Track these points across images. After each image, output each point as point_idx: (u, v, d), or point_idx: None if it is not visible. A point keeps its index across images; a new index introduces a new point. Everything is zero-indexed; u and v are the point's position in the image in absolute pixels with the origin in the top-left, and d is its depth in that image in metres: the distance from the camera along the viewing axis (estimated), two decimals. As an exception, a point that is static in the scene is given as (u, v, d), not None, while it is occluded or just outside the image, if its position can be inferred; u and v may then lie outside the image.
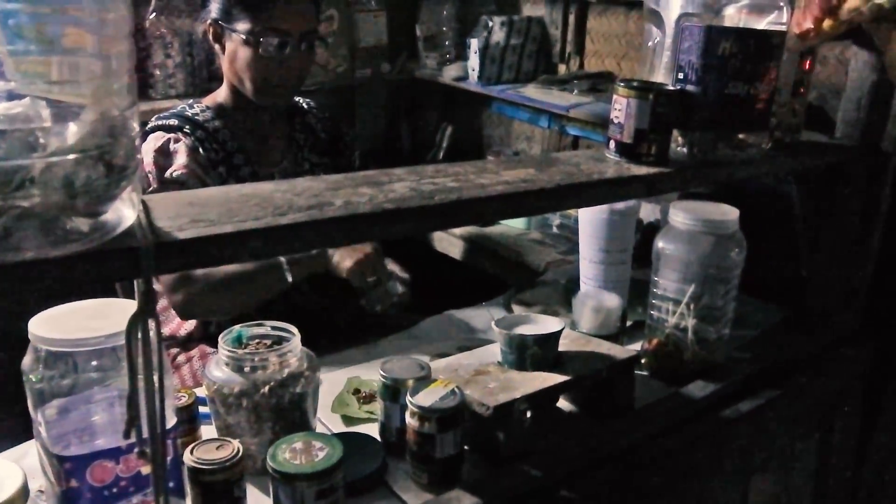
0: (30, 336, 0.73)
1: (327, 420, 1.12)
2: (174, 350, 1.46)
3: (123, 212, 0.68)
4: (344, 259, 1.43)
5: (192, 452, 0.86)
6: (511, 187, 0.88)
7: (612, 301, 1.25)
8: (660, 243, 1.27)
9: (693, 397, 1.19)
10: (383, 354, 1.35)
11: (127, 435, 0.67)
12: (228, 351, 0.98)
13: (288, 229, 0.70)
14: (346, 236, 0.75)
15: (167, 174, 1.39)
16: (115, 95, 0.66)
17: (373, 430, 1.07)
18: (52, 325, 0.73)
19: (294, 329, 1.03)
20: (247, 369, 0.98)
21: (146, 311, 0.64)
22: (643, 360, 1.29)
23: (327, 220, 0.73)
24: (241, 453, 0.88)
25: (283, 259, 1.38)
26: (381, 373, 1.02)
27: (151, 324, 0.67)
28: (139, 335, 0.65)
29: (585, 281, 1.35)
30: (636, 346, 1.33)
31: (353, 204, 0.77)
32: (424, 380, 1.01)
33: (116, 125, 0.66)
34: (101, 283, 0.66)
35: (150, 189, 1.39)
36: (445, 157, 2.71)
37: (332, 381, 1.23)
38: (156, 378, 0.67)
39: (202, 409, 1.05)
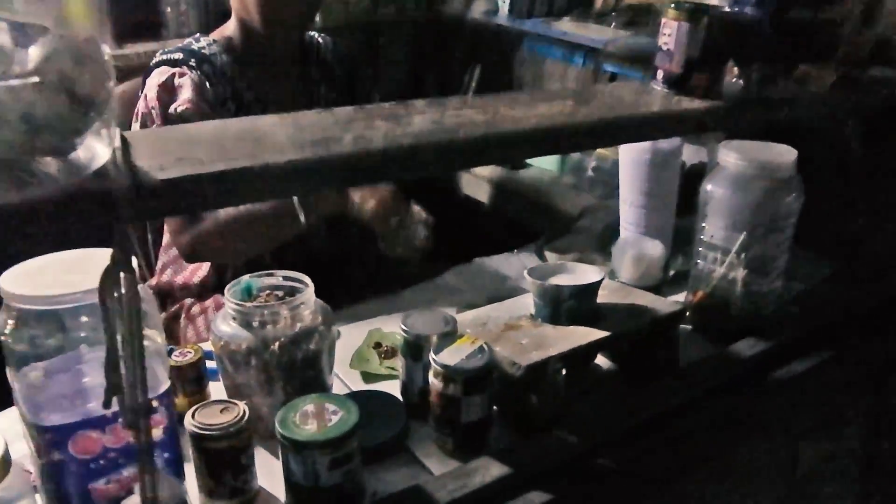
0: (1, 293, 0.65)
1: (346, 377, 1.04)
2: (188, 301, 1.38)
3: (97, 149, 0.58)
4: (366, 200, 1.32)
5: (193, 416, 0.78)
6: (547, 121, 0.76)
7: (655, 249, 1.13)
8: (708, 186, 1.14)
9: (741, 356, 1.08)
10: (406, 306, 1.26)
11: (107, 404, 0.58)
12: (235, 304, 0.89)
13: (287, 169, 0.59)
14: (356, 177, 0.65)
15: (171, 110, 1.29)
16: (81, 15, 0.55)
17: (394, 387, 0.98)
18: (25, 281, 0.64)
19: (307, 280, 0.94)
20: (255, 324, 0.89)
21: (121, 262, 0.54)
22: (686, 314, 1.18)
23: (334, 159, 0.62)
24: (247, 417, 0.79)
25: (296, 199, 1.28)
26: (402, 327, 0.92)
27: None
28: (115, 291, 0.56)
29: (626, 227, 1.23)
30: (678, 298, 1.22)
31: (366, 139, 0.66)
32: (450, 335, 0.91)
33: (82, 49, 0.55)
34: (75, 229, 0.57)
35: (154, 127, 1.29)
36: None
37: (352, 335, 1.14)
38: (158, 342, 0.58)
39: (211, 365, 0.96)
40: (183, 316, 1.37)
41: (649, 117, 0.84)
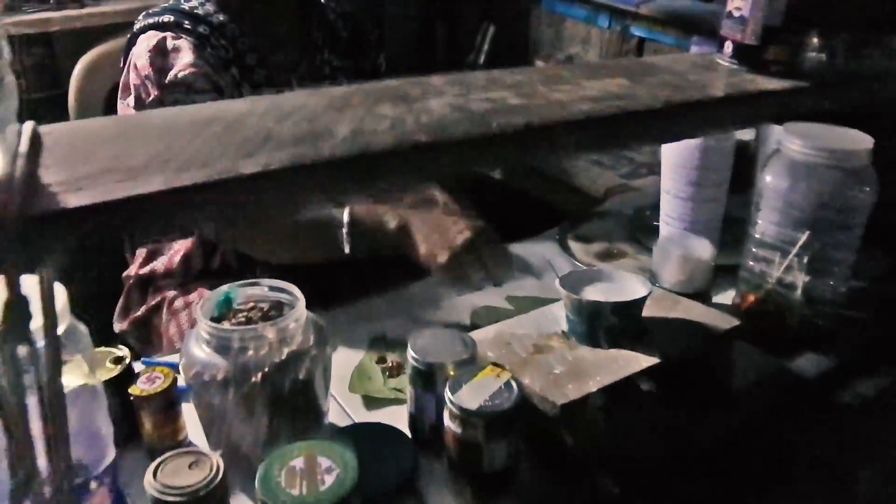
0: None
1: (344, 399, 0.87)
2: (171, 292, 1.20)
3: (-14, 154, 0.41)
4: (435, 248, 0.96)
5: (155, 476, 0.61)
6: (603, 107, 0.57)
7: (704, 250, 0.95)
8: (767, 177, 0.96)
9: (804, 376, 0.91)
10: (414, 303, 1.08)
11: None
12: (209, 326, 0.71)
13: (253, 184, 0.41)
14: (350, 188, 0.46)
15: (171, 76, 1.08)
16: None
17: (402, 414, 0.82)
18: None
19: (297, 291, 0.76)
20: (234, 349, 0.71)
21: (14, 330, 0.37)
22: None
23: (322, 166, 0.44)
24: (221, 472, 0.63)
25: (345, 219, 1.01)
26: (411, 354, 0.75)
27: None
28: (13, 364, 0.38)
29: (667, 220, 1.05)
30: (722, 298, 1.05)
31: (366, 134, 0.48)
32: (468, 364, 0.74)
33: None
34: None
35: (150, 99, 1.08)
36: (487, 62, 2.35)
37: (352, 342, 0.97)
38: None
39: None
40: (165, 309, 1.19)
41: (725, 102, 0.65)
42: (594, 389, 0.72)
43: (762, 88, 0.70)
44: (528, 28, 2.26)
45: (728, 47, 0.76)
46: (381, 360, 0.91)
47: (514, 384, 0.70)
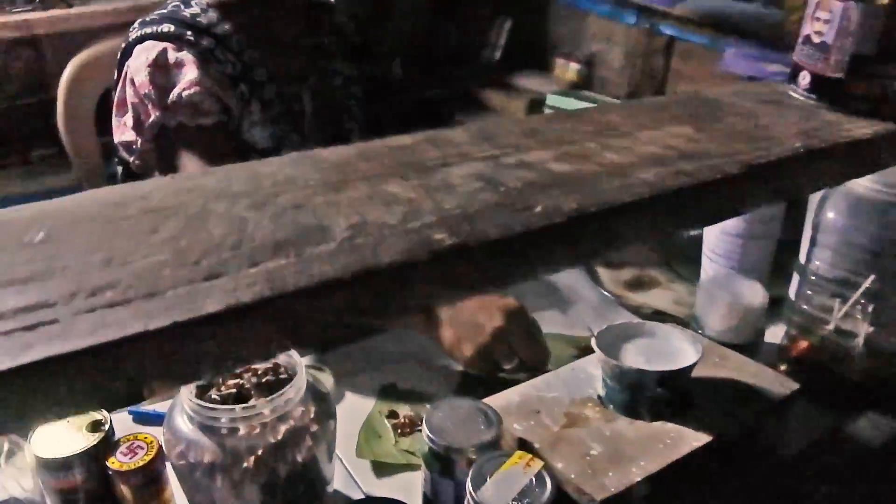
0: None
1: (352, 465, 0.75)
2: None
3: None
4: (461, 338, 0.83)
5: None
6: (670, 173, 0.43)
7: (755, 295, 0.82)
8: (829, 213, 0.82)
9: (866, 441, 0.78)
10: (426, 342, 0.95)
11: None
12: (193, 403, 0.59)
13: (213, 329, 0.29)
14: (349, 321, 0.33)
15: (173, 96, 0.95)
16: None
17: (415, 482, 0.70)
18: None
19: (296, 357, 0.64)
20: (223, 430, 0.60)
21: None
22: (782, 367, 0.87)
23: (308, 294, 0.31)
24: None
25: None
26: (427, 433, 0.63)
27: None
28: None
29: (712, 257, 0.91)
30: (767, 335, 0.92)
31: (369, 233, 0.35)
32: (492, 446, 0.62)
33: None
34: None
35: (151, 121, 0.96)
36: (503, 59, 2.18)
37: (358, 387, 0.85)
38: None
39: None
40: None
41: (811, 156, 0.51)
42: (638, 478, 0.60)
43: (854, 136, 0.56)
44: (547, 23, 2.09)
45: (804, 79, 0.62)
46: (392, 415, 0.79)
47: (546, 476, 0.58)
